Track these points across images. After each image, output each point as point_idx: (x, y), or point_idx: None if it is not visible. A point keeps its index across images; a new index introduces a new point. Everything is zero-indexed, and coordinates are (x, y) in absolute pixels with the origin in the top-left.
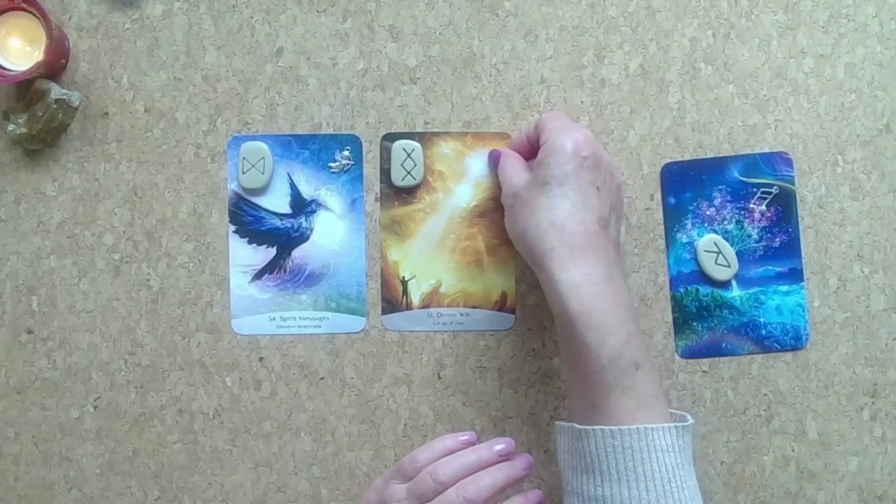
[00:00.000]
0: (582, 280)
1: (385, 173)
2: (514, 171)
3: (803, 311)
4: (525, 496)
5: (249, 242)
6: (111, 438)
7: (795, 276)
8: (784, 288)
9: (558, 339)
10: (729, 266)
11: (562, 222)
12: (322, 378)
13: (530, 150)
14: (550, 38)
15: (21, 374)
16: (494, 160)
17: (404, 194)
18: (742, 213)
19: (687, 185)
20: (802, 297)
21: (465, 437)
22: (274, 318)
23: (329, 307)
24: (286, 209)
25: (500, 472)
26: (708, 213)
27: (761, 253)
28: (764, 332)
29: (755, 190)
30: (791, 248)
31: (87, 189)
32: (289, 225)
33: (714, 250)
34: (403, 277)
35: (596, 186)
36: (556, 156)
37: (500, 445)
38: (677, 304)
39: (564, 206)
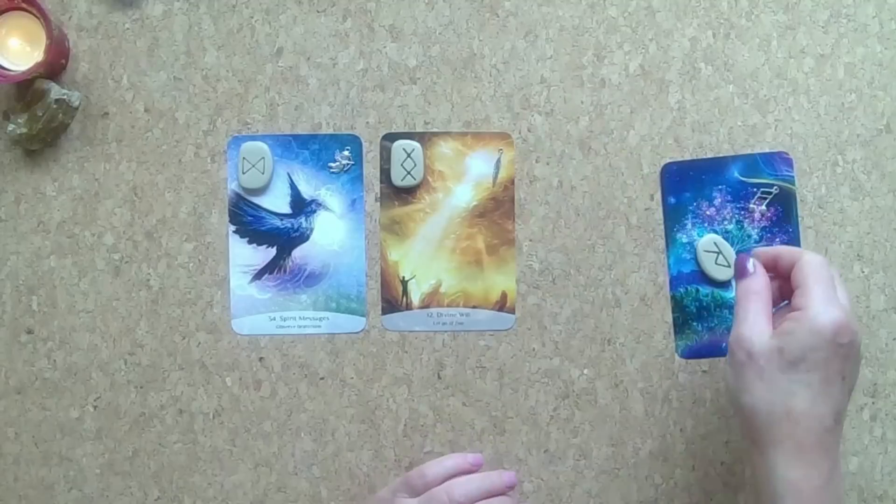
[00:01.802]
0: (803, 483)
1: (385, 173)
2: (756, 321)
3: None
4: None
5: (249, 242)
6: (111, 438)
7: None
8: None
9: None
10: (729, 266)
11: (798, 415)
12: (322, 378)
13: (773, 271)
14: (550, 38)
15: (21, 374)
16: (741, 270)
17: (404, 194)
18: (742, 213)
19: (687, 185)
20: None
21: (474, 459)
22: (274, 318)
23: (329, 307)
24: (286, 209)
25: (509, 502)
26: (708, 213)
27: None
28: None
29: (755, 190)
30: None
31: (87, 189)
32: (289, 225)
33: (714, 250)
34: (403, 277)
35: (842, 376)
36: (814, 337)
37: (508, 477)
38: (677, 304)
39: (805, 395)
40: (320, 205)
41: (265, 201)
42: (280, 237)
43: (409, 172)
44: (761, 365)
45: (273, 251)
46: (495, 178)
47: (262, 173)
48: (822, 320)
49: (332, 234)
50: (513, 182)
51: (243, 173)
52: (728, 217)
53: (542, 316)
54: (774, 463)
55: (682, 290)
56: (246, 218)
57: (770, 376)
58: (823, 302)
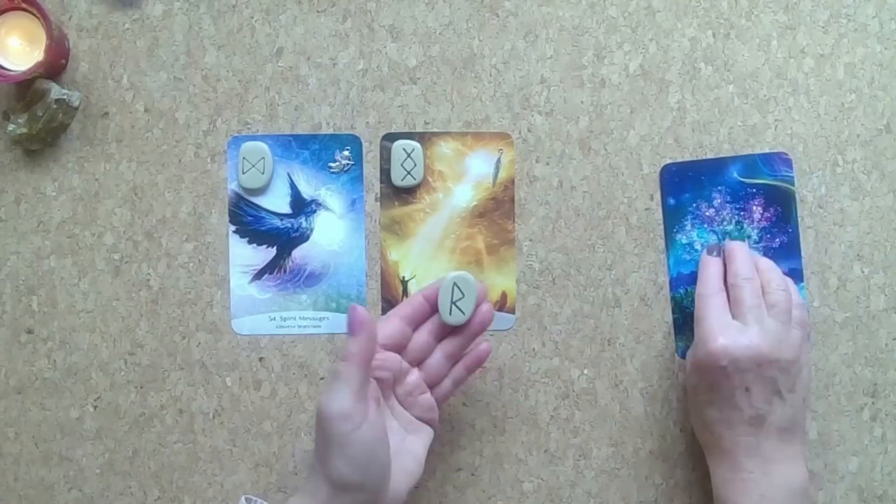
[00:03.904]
0: (729, 476)
1: (385, 173)
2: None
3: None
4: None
5: (249, 242)
6: (111, 438)
7: (795, 276)
8: None
9: None
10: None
11: (710, 425)
12: (322, 378)
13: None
14: (550, 38)
15: (21, 374)
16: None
17: (404, 194)
18: (741, 213)
19: (686, 185)
20: (802, 298)
21: None
22: (274, 318)
23: (329, 307)
24: (286, 209)
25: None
26: (707, 213)
27: (761, 253)
28: None
29: (754, 190)
30: (791, 249)
31: (87, 189)
32: (289, 225)
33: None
34: (403, 277)
35: (745, 387)
36: (701, 370)
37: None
38: (677, 305)
39: (711, 412)
40: (320, 205)
41: (265, 201)
42: (280, 237)
43: (409, 172)
44: (687, 387)
45: (273, 251)
46: (495, 178)
47: (262, 173)
48: (700, 352)
49: (332, 234)
50: (513, 182)
51: (243, 173)
52: (728, 218)
53: (542, 316)
54: (709, 463)
55: (682, 290)
56: (246, 218)
57: (690, 399)
58: (702, 340)
